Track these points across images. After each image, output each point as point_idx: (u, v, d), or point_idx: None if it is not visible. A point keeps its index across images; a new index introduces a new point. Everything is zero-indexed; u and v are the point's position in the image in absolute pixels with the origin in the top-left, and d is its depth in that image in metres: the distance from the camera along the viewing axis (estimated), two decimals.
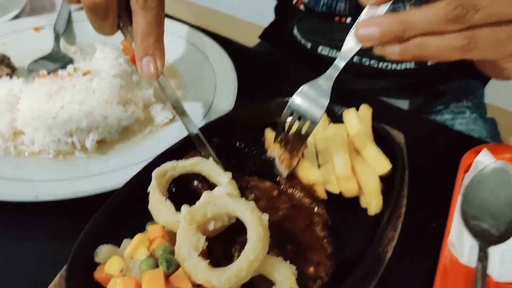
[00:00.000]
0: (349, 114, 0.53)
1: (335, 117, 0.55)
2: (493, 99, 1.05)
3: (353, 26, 0.41)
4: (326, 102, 0.46)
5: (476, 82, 1.00)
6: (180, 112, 0.50)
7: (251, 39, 1.18)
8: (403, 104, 0.91)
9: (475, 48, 0.37)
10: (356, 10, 0.83)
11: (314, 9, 0.87)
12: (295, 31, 0.94)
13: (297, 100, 0.47)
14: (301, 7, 0.91)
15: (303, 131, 0.48)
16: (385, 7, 0.39)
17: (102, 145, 0.56)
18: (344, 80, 0.98)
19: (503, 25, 0.36)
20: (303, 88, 0.47)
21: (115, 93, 0.56)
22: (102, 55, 0.60)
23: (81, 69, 0.57)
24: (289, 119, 0.48)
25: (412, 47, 0.37)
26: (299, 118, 0.47)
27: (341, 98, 0.51)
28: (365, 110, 0.54)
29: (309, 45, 0.92)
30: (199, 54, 0.72)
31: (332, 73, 0.45)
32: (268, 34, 1.15)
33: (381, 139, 0.53)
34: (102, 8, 0.44)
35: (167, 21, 0.48)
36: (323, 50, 0.90)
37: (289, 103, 0.47)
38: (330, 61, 0.93)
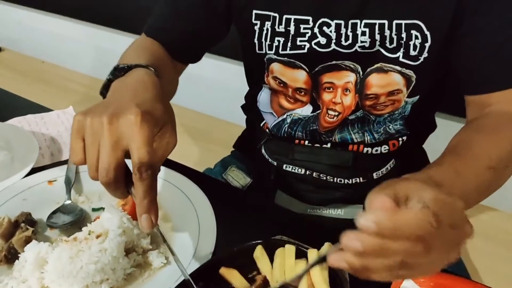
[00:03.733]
0: (311, 254, 0.68)
1: (303, 253, 0.70)
2: None
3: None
4: None
5: None
6: (173, 254, 0.67)
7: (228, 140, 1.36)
8: (359, 208, 1.09)
9: None
10: (311, 136, 1.03)
11: (277, 134, 1.07)
12: (263, 151, 1.13)
13: None
14: (267, 130, 1.11)
15: None
16: None
17: None
18: (308, 190, 1.16)
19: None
20: None
21: (121, 249, 0.72)
22: (109, 216, 0.76)
23: (95, 232, 0.73)
24: None
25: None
26: None
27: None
28: (328, 249, 0.69)
29: (275, 163, 1.10)
30: (182, 196, 0.89)
31: None
32: (240, 144, 1.34)
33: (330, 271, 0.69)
34: (113, 183, 0.61)
35: None
36: (287, 167, 1.09)
37: None
38: (294, 176, 1.11)
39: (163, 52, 0.98)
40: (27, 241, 0.76)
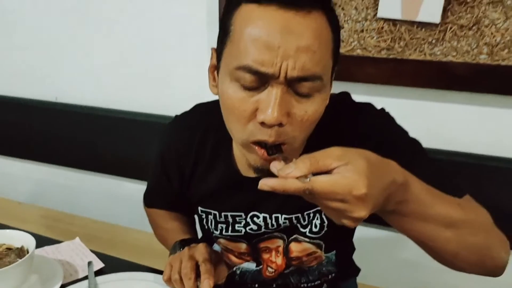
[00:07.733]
0: None
1: None
2: (363, 280, 1.50)
3: None
4: None
5: (350, 284, 1.39)
6: None
7: None
8: None
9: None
10: (259, 284, 1.24)
11: (232, 280, 1.24)
12: None
13: None
14: None
15: None
16: None
17: None
18: None
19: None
20: None
21: None
22: None
23: None
24: None
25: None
26: None
27: None
28: None
29: None
30: None
31: None
32: None
33: None
34: (189, 275, 1.00)
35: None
36: None
37: None
38: None
39: (179, 215, 1.35)
40: None
